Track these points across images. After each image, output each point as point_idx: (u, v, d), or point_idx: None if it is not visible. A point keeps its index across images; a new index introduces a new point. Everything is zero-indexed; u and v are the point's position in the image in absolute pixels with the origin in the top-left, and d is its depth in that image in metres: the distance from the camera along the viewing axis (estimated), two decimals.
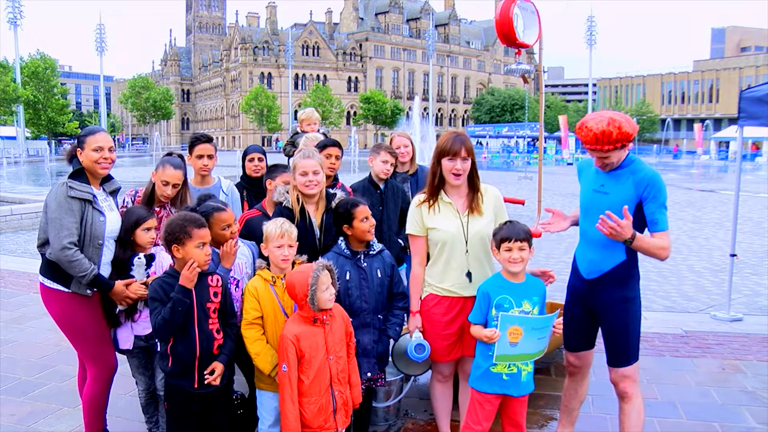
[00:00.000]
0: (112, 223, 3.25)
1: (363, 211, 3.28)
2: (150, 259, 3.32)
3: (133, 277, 3.23)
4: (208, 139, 4.11)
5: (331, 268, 2.90)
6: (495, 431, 3.18)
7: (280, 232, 3.08)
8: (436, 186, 3.21)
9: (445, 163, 3.15)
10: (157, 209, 3.59)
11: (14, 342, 5.40)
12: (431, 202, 3.23)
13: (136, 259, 3.27)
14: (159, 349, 3.02)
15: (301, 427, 2.84)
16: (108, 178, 3.38)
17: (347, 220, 3.28)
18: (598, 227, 2.86)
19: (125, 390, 4.11)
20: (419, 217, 3.27)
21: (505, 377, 2.97)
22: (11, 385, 4.49)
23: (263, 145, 70.24)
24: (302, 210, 3.45)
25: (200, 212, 3.18)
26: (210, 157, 4.03)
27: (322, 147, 4.13)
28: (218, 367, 2.92)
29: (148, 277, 3.26)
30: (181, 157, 3.72)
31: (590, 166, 3.20)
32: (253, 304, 3.04)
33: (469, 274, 3.22)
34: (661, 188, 2.94)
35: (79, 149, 3.21)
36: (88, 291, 3.15)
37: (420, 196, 3.30)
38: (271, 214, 3.66)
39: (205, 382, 2.88)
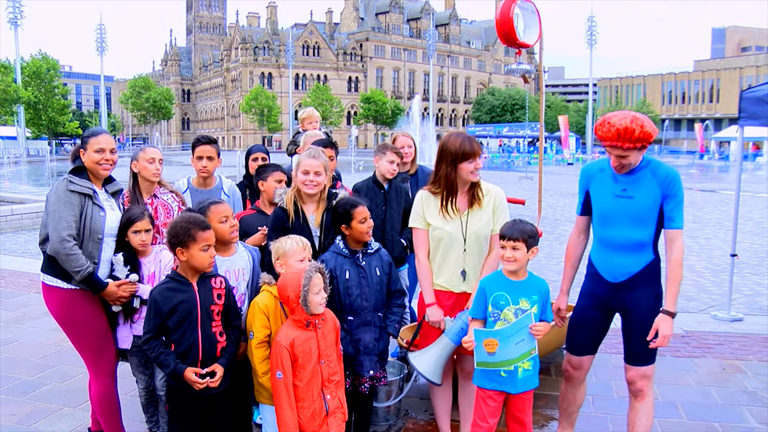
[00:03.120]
0: (112, 220, 3.25)
1: (362, 212, 3.27)
2: (130, 257, 3.28)
3: (118, 278, 3.22)
4: (209, 141, 4.08)
5: (323, 271, 2.87)
6: (502, 431, 3.18)
7: (302, 246, 3.07)
8: (453, 190, 3.23)
9: (465, 165, 3.19)
10: (150, 200, 3.59)
11: (15, 342, 5.40)
12: (445, 204, 3.24)
13: (113, 257, 3.25)
14: None
15: None
16: (110, 180, 3.40)
17: (346, 220, 3.28)
18: (657, 345, 2.96)
19: (125, 390, 4.10)
20: (422, 211, 3.31)
21: (503, 374, 2.97)
22: (12, 385, 4.49)
23: (264, 145, 70.24)
24: (298, 210, 3.45)
25: (198, 209, 3.20)
26: (210, 158, 3.99)
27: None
28: (218, 369, 2.89)
29: (129, 275, 3.23)
30: None
31: (602, 171, 3.13)
32: (264, 322, 2.98)
33: (463, 272, 3.26)
34: (680, 186, 2.96)
35: (82, 150, 3.25)
36: None
37: (425, 193, 3.32)
38: (269, 213, 3.68)
39: (203, 381, 2.85)
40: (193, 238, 2.84)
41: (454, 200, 3.25)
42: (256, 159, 4.58)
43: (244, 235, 3.57)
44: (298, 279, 2.79)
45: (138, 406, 3.67)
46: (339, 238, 3.34)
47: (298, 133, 5.90)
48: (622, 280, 3.08)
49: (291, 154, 5.54)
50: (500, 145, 58.39)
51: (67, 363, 4.80)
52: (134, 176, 3.62)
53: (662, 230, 3.03)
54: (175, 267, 2.97)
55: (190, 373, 2.82)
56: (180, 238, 2.84)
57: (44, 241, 3.18)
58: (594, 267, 3.21)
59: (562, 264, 3.47)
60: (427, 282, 3.32)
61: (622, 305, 3.13)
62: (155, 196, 3.63)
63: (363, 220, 3.27)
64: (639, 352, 3.11)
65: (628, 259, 3.05)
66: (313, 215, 3.50)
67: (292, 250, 3.05)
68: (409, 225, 3.40)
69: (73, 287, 3.16)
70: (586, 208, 3.26)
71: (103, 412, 3.36)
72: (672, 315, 2.96)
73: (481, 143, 3.42)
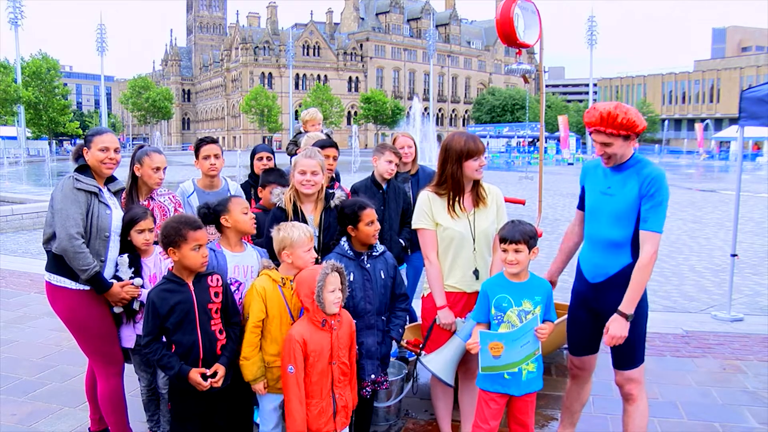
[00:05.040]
0: (117, 218, 3.26)
1: (369, 214, 3.26)
2: (134, 259, 3.29)
3: (121, 279, 3.22)
4: (213, 140, 4.14)
5: (342, 271, 2.89)
6: (504, 431, 3.18)
7: (309, 235, 3.06)
8: (459, 188, 3.23)
9: (471, 163, 3.19)
10: (146, 202, 3.60)
11: (15, 342, 5.40)
12: (451, 203, 3.24)
13: (118, 258, 3.26)
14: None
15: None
16: (112, 179, 3.41)
17: (353, 221, 3.26)
18: (609, 343, 2.96)
19: (126, 390, 4.10)
20: (430, 211, 3.26)
21: (507, 376, 2.97)
22: (12, 385, 4.49)
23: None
24: (297, 210, 3.45)
25: (218, 203, 3.25)
26: (216, 156, 4.05)
27: (320, 147, 4.13)
28: (220, 369, 2.91)
29: (133, 279, 3.24)
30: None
31: (597, 168, 3.16)
32: (260, 306, 2.98)
33: (476, 272, 3.25)
34: (662, 187, 2.89)
35: (85, 148, 3.25)
36: None
37: (430, 193, 3.30)
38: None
39: (207, 383, 2.87)
40: (184, 237, 2.85)
41: (461, 199, 3.25)
42: (261, 158, 4.61)
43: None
44: (314, 275, 2.81)
45: (138, 405, 3.67)
46: (344, 239, 3.32)
47: (300, 133, 5.91)
48: (599, 281, 3.08)
49: (291, 155, 5.55)
50: (524, 145, 57.02)
51: (67, 363, 4.80)
52: (133, 177, 3.62)
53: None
54: (171, 268, 2.98)
55: (195, 374, 2.83)
56: (171, 238, 2.86)
57: (49, 240, 3.17)
58: (579, 265, 3.25)
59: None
60: (438, 284, 3.28)
61: (600, 308, 3.12)
62: (152, 198, 3.64)
63: (370, 223, 3.26)
64: (620, 357, 3.11)
65: (606, 260, 3.05)
66: (312, 215, 3.50)
67: (299, 240, 3.03)
68: (415, 226, 3.35)
69: (80, 287, 3.16)
70: (582, 203, 3.29)
71: (112, 411, 3.35)
72: (625, 317, 2.90)
73: None
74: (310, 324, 2.87)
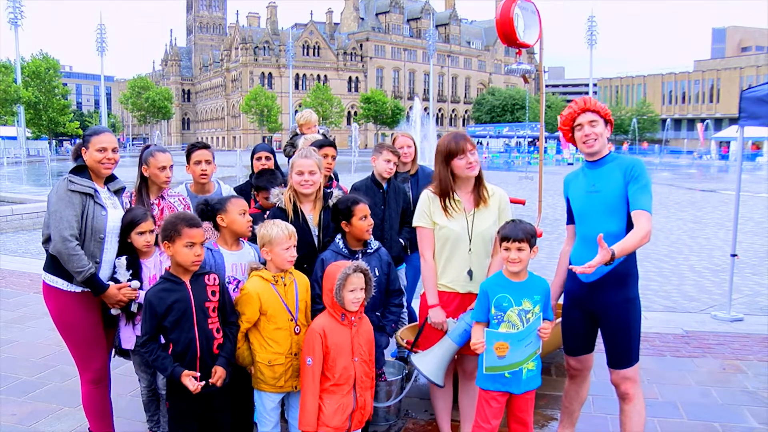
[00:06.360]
0: (114, 219, 3.24)
1: (362, 209, 3.29)
2: (132, 261, 3.28)
3: (118, 281, 3.21)
4: (205, 145, 4.08)
5: (368, 272, 2.92)
6: (503, 431, 3.19)
7: (288, 233, 3.06)
8: (447, 188, 3.25)
9: (457, 162, 3.21)
10: (156, 201, 3.61)
11: (15, 342, 5.40)
12: (443, 202, 3.27)
13: (116, 260, 3.25)
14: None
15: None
16: (112, 178, 3.40)
17: (346, 216, 3.29)
18: (581, 271, 2.81)
19: (126, 390, 4.11)
20: (429, 211, 3.30)
21: (507, 375, 2.97)
22: (12, 384, 4.49)
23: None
24: (296, 209, 3.46)
25: (218, 201, 3.26)
26: (208, 162, 3.98)
27: (318, 147, 4.13)
28: (218, 370, 2.92)
29: (131, 282, 3.23)
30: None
31: (576, 175, 3.28)
32: (254, 309, 2.98)
33: (470, 272, 3.26)
34: (644, 172, 3.01)
35: (84, 148, 3.24)
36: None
37: (429, 193, 3.33)
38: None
39: (209, 382, 2.89)
40: (179, 233, 2.86)
41: (451, 197, 3.26)
42: (260, 158, 4.60)
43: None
44: (337, 272, 2.87)
45: (139, 406, 3.68)
46: (339, 236, 3.34)
47: (296, 135, 5.89)
48: (594, 279, 3.08)
49: (289, 156, 5.55)
50: (532, 145, 55.73)
51: (67, 363, 4.78)
52: (142, 178, 3.62)
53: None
54: (168, 268, 2.99)
55: (186, 378, 2.83)
56: (167, 232, 2.89)
57: (47, 241, 3.17)
58: (571, 265, 3.23)
59: None
60: (431, 282, 3.30)
61: (595, 308, 3.13)
62: (162, 197, 3.65)
63: (363, 218, 3.29)
64: (615, 356, 3.12)
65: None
66: (311, 214, 3.51)
67: (278, 237, 3.03)
68: (414, 224, 3.39)
69: (73, 289, 3.15)
70: (571, 216, 3.33)
71: (89, 414, 3.36)
72: (612, 254, 2.79)
73: (480, 143, 3.45)
74: (330, 318, 2.92)
